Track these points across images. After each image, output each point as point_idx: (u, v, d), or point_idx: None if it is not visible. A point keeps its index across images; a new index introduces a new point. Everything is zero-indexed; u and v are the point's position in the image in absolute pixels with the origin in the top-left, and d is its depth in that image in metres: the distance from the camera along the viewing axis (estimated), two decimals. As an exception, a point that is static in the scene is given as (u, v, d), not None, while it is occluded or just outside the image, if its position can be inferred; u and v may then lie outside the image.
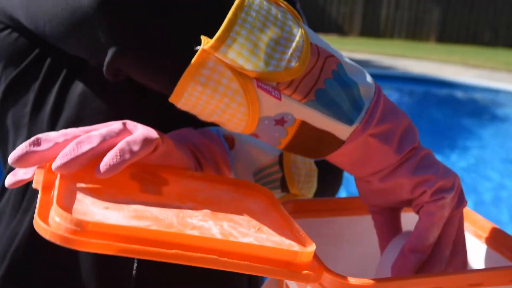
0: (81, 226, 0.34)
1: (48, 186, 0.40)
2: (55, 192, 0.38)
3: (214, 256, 0.36)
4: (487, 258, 0.53)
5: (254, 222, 0.44)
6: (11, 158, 0.41)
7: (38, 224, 0.35)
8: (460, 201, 0.50)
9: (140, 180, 0.46)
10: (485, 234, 0.53)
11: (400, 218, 0.54)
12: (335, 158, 0.49)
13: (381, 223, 0.53)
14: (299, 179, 0.60)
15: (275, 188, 0.59)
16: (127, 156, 0.42)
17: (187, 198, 0.45)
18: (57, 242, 0.34)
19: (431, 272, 0.48)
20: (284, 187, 0.60)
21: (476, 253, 0.54)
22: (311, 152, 0.49)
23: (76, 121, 0.58)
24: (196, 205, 0.44)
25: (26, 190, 0.61)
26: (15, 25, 0.58)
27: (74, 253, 0.60)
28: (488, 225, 0.54)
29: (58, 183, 0.39)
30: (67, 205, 0.36)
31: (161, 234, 0.35)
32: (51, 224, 0.35)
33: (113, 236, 0.34)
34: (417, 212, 0.49)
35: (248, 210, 0.47)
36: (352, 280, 0.40)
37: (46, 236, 0.34)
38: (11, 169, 0.63)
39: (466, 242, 0.50)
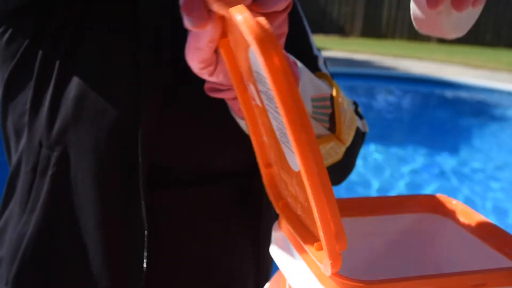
0: (267, 32, 0.33)
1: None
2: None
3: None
4: (490, 258, 0.52)
5: None
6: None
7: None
8: None
9: None
10: (488, 235, 0.53)
11: None
12: None
13: None
14: (344, 121, 0.62)
15: (324, 121, 0.61)
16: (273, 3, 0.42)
17: None
18: (245, 28, 0.33)
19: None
20: (332, 123, 0.61)
21: (479, 254, 0.54)
22: None
23: (75, 115, 0.58)
24: None
25: (31, 191, 0.61)
26: None
27: (84, 251, 0.60)
28: (491, 225, 0.53)
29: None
30: None
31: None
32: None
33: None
34: None
35: None
36: (353, 281, 0.39)
37: (239, 14, 0.34)
38: (16, 170, 0.63)
39: (466, 238, 0.49)
